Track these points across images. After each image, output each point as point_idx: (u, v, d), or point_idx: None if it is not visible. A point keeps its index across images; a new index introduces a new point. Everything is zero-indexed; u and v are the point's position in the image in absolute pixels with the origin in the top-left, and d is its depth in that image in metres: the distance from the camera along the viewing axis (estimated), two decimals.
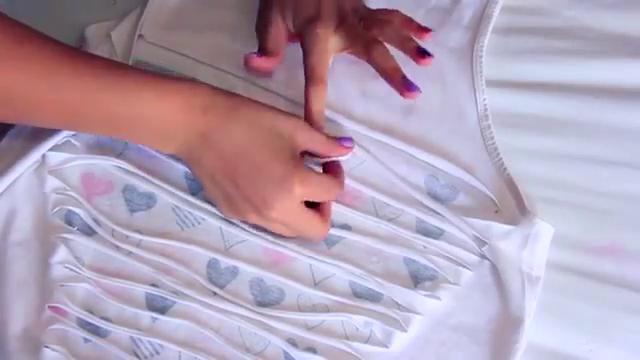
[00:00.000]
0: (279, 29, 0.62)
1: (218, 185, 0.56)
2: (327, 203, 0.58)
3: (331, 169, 0.59)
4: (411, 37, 0.60)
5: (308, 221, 0.57)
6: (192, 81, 0.57)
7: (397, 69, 0.59)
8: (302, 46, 0.60)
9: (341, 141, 0.59)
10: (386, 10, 0.63)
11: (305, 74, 0.60)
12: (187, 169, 0.61)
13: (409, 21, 0.62)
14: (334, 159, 0.59)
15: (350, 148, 0.59)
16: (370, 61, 0.60)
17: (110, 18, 0.68)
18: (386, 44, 0.60)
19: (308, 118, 0.59)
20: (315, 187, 0.56)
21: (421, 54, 0.59)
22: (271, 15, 0.62)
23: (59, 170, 0.61)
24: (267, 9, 0.63)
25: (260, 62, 0.62)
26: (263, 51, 0.63)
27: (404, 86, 0.58)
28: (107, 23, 0.68)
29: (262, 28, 0.63)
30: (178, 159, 0.59)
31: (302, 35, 0.60)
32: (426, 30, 0.61)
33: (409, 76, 0.59)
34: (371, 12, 0.63)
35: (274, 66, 0.63)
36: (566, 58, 0.64)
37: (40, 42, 0.53)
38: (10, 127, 0.63)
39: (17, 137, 0.63)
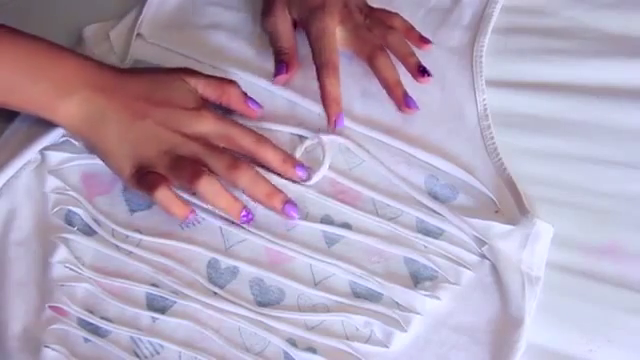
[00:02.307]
0: (286, 21, 0.63)
1: (128, 133, 0.56)
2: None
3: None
4: (413, 52, 0.62)
5: (216, 154, 0.57)
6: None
7: (399, 83, 0.61)
8: (309, 36, 0.61)
9: (229, 84, 0.60)
10: (388, 12, 0.63)
11: (316, 62, 0.60)
12: None
13: (410, 29, 0.63)
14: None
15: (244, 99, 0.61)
16: (373, 69, 0.61)
17: (109, 18, 0.68)
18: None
19: (326, 106, 0.60)
20: (227, 124, 0.58)
21: (421, 72, 0.61)
22: (277, 6, 0.63)
23: (59, 170, 0.61)
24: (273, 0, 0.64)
25: (285, 79, 0.63)
26: (277, 53, 0.64)
27: (404, 101, 0.61)
28: (106, 23, 0.68)
29: (270, 23, 0.64)
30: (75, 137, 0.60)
31: (308, 25, 0.61)
32: (426, 41, 0.63)
33: (408, 76, 0.59)
34: (373, 11, 0.64)
35: (295, 71, 0.64)
36: (566, 58, 0.64)
37: None
38: (10, 122, 0.63)
39: (16, 133, 0.63)
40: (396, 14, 0.64)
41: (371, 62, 0.61)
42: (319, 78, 0.60)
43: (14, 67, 0.55)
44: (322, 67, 0.60)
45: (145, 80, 0.58)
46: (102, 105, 0.56)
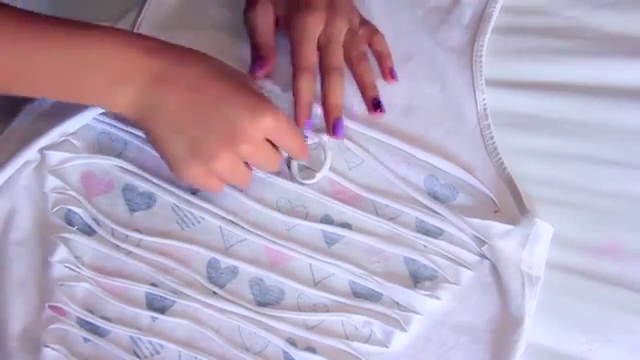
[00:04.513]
0: (268, 17, 0.62)
1: (180, 132, 0.53)
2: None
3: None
4: (375, 85, 0.61)
5: (271, 155, 0.56)
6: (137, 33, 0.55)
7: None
8: (290, 35, 0.60)
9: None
10: (374, 30, 0.63)
11: (293, 63, 0.60)
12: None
13: (386, 56, 0.63)
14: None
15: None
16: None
17: (109, 18, 0.68)
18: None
19: (297, 110, 0.59)
20: (283, 124, 0.55)
21: (374, 107, 0.61)
22: (261, 1, 0.62)
23: (59, 169, 0.61)
24: None
25: (260, 73, 0.62)
26: (254, 48, 0.63)
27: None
28: (106, 23, 0.68)
29: (251, 18, 0.63)
30: (134, 125, 0.57)
31: (290, 23, 0.60)
32: (393, 76, 0.62)
33: (407, 76, 0.61)
34: (360, 23, 0.63)
35: (273, 66, 0.63)
36: (566, 58, 0.64)
37: None
38: (10, 122, 0.63)
39: (15, 133, 0.63)
40: (380, 34, 0.63)
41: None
42: (293, 81, 0.59)
43: (68, 57, 0.52)
44: (297, 70, 0.59)
45: (206, 69, 0.55)
46: (157, 95, 0.53)
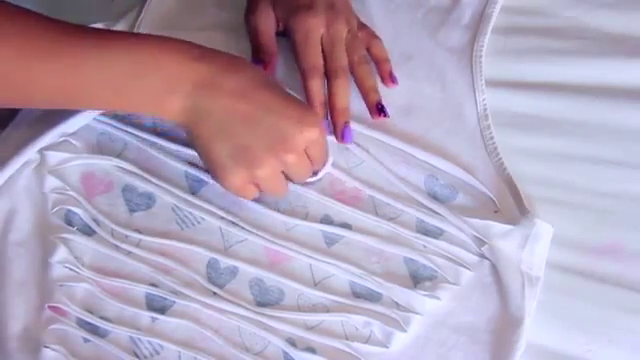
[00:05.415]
0: (269, 20, 0.63)
1: (228, 137, 0.53)
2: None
3: None
4: (376, 88, 0.61)
5: (308, 167, 0.57)
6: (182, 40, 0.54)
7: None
8: (292, 37, 0.61)
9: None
10: (372, 35, 0.63)
11: (300, 65, 0.60)
12: (187, 168, 0.61)
13: (384, 61, 0.63)
14: None
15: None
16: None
17: (108, 19, 0.68)
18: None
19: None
20: (324, 137, 0.56)
21: (378, 111, 0.61)
22: (262, 2, 0.63)
23: (59, 170, 0.61)
24: None
25: None
26: (256, 51, 0.63)
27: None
28: (106, 23, 0.68)
29: (252, 21, 0.63)
30: (182, 130, 0.56)
31: (291, 25, 0.61)
32: (394, 80, 0.62)
33: (407, 76, 0.61)
34: (359, 28, 0.63)
35: (274, 68, 0.63)
36: (565, 58, 0.64)
37: (33, 19, 0.51)
38: (9, 121, 0.63)
39: (15, 132, 0.63)
40: (378, 39, 0.63)
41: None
42: (304, 82, 0.60)
43: (127, 67, 0.51)
44: (306, 72, 0.60)
45: (255, 76, 0.55)
46: (205, 100, 0.53)
